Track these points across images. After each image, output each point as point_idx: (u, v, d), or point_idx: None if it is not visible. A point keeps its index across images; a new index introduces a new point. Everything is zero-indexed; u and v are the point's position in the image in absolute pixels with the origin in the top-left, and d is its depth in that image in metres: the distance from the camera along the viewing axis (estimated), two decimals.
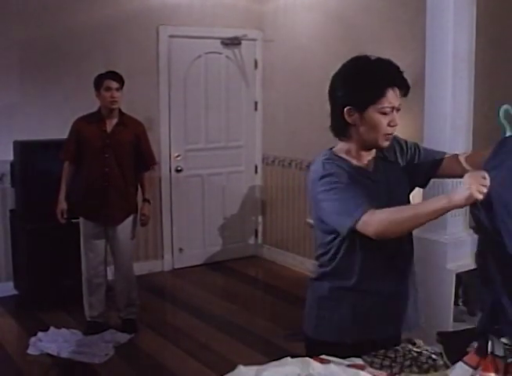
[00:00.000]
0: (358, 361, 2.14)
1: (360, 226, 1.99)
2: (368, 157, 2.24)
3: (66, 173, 4.68)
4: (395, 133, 2.24)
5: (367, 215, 1.98)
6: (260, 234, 6.89)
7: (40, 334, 4.60)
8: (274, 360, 2.13)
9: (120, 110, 4.61)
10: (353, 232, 2.03)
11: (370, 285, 2.21)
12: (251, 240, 6.89)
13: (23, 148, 5.18)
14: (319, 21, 5.90)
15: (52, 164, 4.95)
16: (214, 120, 6.47)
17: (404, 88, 2.13)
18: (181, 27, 6.12)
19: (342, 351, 2.17)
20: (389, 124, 2.13)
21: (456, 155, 2.30)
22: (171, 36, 6.09)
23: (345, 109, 2.18)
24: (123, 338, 4.64)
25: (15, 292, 5.46)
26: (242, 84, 6.61)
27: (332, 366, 2.10)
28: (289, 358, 2.14)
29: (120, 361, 4.33)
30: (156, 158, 5.09)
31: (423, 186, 2.41)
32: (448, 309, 3.59)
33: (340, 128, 2.25)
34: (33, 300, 5.19)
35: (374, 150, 2.25)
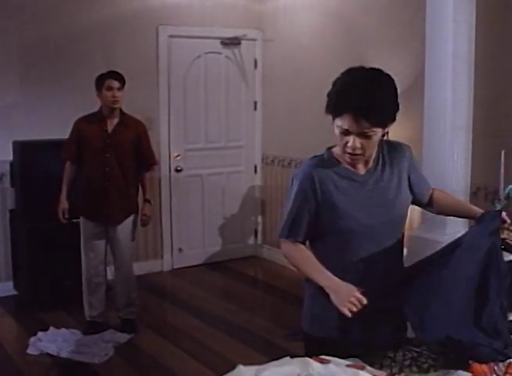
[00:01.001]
0: (358, 361, 2.14)
1: (281, 244, 2.30)
2: (363, 163, 2.24)
3: (67, 173, 4.68)
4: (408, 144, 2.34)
5: (287, 244, 2.28)
6: (259, 234, 6.89)
7: (40, 333, 4.60)
8: (274, 360, 2.13)
9: (121, 110, 4.61)
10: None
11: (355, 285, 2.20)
12: (251, 240, 6.89)
13: (22, 148, 5.18)
14: (319, 21, 5.90)
15: (51, 164, 4.95)
16: (213, 120, 6.47)
17: (368, 120, 2.05)
18: (180, 27, 6.12)
19: (337, 348, 2.19)
20: (346, 145, 2.13)
21: (432, 192, 2.42)
22: (171, 36, 6.09)
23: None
24: (122, 337, 4.64)
25: (14, 292, 5.46)
26: (241, 84, 6.61)
27: (331, 366, 2.10)
28: (288, 358, 2.14)
29: (120, 361, 4.33)
30: (156, 158, 5.09)
31: (415, 199, 2.42)
32: None
33: None
34: (32, 300, 5.19)
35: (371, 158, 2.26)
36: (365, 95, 2.05)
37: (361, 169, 2.25)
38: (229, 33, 6.38)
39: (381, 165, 2.27)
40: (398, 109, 2.12)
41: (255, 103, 6.69)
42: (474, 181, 3.96)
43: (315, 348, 2.24)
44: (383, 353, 2.16)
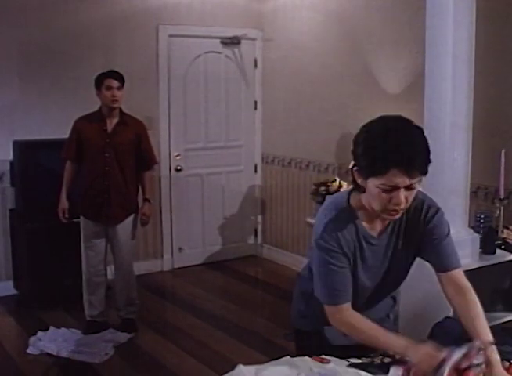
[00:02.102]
0: (358, 361, 2.14)
1: (329, 315, 2.11)
2: (378, 220, 2.12)
3: (67, 172, 4.68)
4: (438, 207, 2.17)
5: (338, 312, 2.09)
6: (259, 234, 6.89)
7: (40, 333, 4.60)
8: (274, 359, 2.13)
9: (120, 109, 4.61)
10: None
11: None
12: (251, 240, 6.89)
13: (22, 147, 5.18)
14: (319, 20, 5.90)
15: (51, 164, 4.95)
16: (213, 119, 6.47)
17: (416, 171, 1.90)
18: (180, 27, 6.12)
19: (324, 340, 2.27)
20: (390, 201, 1.95)
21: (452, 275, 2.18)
22: (171, 35, 6.09)
23: (354, 168, 2.03)
24: (123, 337, 4.64)
25: (15, 292, 5.46)
26: (241, 84, 6.60)
27: (332, 365, 2.10)
28: (288, 357, 2.14)
29: (120, 360, 4.33)
30: (156, 158, 5.09)
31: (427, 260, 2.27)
32: (447, 309, 3.58)
33: (355, 183, 2.08)
34: (32, 299, 5.19)
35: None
36: (411, 145, 1.89)
37: (377, 227, 2.14)
38: (229, 32, 6.38)
39: (398, 225, 2.15)
40: (430, 152, 1.96)
41: (255, 102, 6.69)
42: (474, 180, 3.95)
43: (306, 344, 2.25)
44: (383, 352, 2.15)
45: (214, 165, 6.53)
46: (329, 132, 5.68)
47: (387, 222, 2.13)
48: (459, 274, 2.17)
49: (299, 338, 2.45)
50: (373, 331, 2.05)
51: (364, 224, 2.11)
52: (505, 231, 4.08)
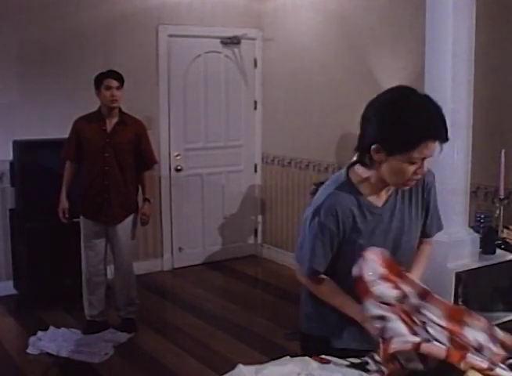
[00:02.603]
0: (357, 361, 2.14)
1: (307, 280, 2.24)
2: (383, 191, 2.14)
3: (67, 172, 4.68)
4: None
5: (316, 280, 2.20)
6: (259, 233, 6.89)
7: (39, 333, 4.60)
8: (274, 359, 2.13)
9: (120, 109, 4.61)
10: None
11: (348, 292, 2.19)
12: (251, 240, 6.89)
13: (22, 147, 5.18)
14: (319, 20, 5.90)
15: (51, 164, 4.95)
16: (213, 119, 6.47)
17: (444, 140, 1.96)
18: (180, 27, 6.12)
19: (332, 347, 2.22)
20: (415, 173, 1.98)
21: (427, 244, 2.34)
22: (171, 35, 6.09)
23: (372, 146, 1.99)
24: (123, 337, 4.64)
25: (14, 291, 5.46)
26: (241, 84, 6.60)
27: (332, 366, 2.10)
28: (288, 357, 2.14)
29: (120, 360, 4.33)
30: (156, 157, 5.09)
31: None
32: None
33: (364, 157, 2.08)
34: (32, 299, 5.19)
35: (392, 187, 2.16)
36: (439, 116, 1.94)
37: (381, 198, 2.15)
38: (229, 32, 6.38)
39: (401, 193, 2.17)
40: None
41: (255, 102, 6.69)
42: (474, 180, 3.95)
43: (311, 348, 2.24)
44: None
45: (214, 165, 6.53)
46: (329, 132, 5.68)
47: (391, 191, 2.15)
48: (429, 242, 2.35)
49: (305, 341, 2.42)
50: (338, 300, 2.15)
51: (366, 196, 2.13)
52: (505, 231, 4.08)
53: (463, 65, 3.65)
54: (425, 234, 2.29)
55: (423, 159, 1.96)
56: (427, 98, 1.98)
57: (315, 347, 2.24)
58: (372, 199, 2.14)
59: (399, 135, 1.92)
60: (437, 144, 1.96)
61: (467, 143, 3.76)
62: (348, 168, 2.16)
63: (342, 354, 2.14)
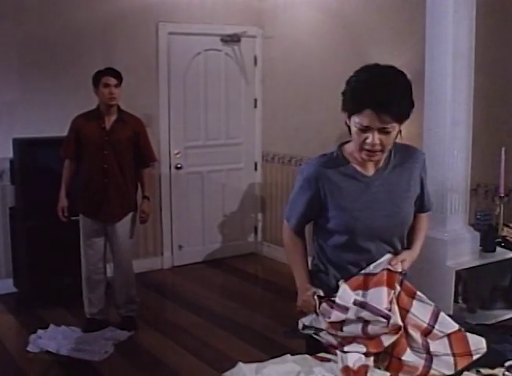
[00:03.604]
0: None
1: (284, 224, 2.45)
2: (370, 163, 2.24)
3: (66, 171, 4.68)
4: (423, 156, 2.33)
5: (284, 227, 2.45)
6: (259, 231, 6.89)
7: (39, 331, 4.59)
8: (274, 357, 2.13)
9: (118, 106, 4.61)
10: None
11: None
12: (251, 238, 6.89)
13: (22, 145, 5.17)
14: (319, 18, 5.90)
15: (51, 162, 4.95)
16: (213, 117, 6.47)
17: (388, 115, 2.06)
18: (180, 24, 6.11)
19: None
20: (365, 142, 2.11)
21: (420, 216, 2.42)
22: (171, 33, 6.08)
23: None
24: (123, 335, 4.64)
25: (14, 290, 5.46)
26: (241, 82, 6.60)
27: (331, 364, 2.10)
28: (289, 355, 2.14)
29: (120, 358, 4.33)
30: (156, 155, 5.09)
31: None
32: (447, 306, 3.59)
33: (348, 128, 2.21)
34: (32, 297, 5.19)
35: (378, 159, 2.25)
36: (385, 90, 2.06)
37: (370, 170, 2.25)
38: (229, 30, 6.37)
39: (391, 167, 2.27)
40: (413, 105, 2.14)
41: (255, 100, 6.68)
42: (474, 177, 3.95)
43: (314, 345, 2.24)
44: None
45: (214, 163, 6.53)
46: (329, 130, 5.67)
47: (380, 164, 2.25)
48: (423, 217, 2.43)
49: (309, 341, 2.42)
50: (293, 259, 2.42)
51: (356, 166, 2.25)
52: (505, 229, 4.08)
53: (463, 62, 3.65)
54: (420, 209, 2.39)
55: (370, 130, 2.08)
56: (385, 73, 2.13)
57: (318, 345, 2.24)
58: (360, 169, 2.25)
59: (348, 98, 2.14)
60: (379, 118, 2.04)
61: (467, 141, 3.76)
62: (341, 145, 2.31)
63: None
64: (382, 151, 2.14)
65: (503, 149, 3.97)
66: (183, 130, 6.31)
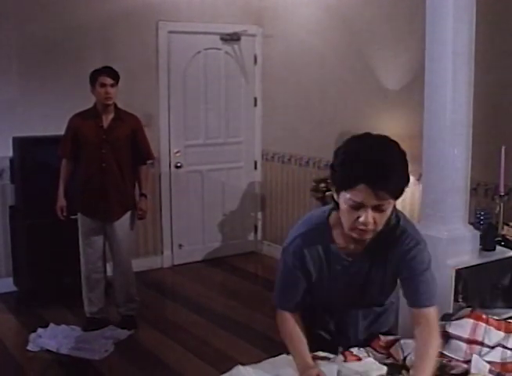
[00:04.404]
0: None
1: (277, 314, 2.30)
2: (352, 240, 2.08)
3: (64, 170, 4.68)
4: (422, 240, 2.12)
5: (280, 316, 2.28)
6: (259, 230, 6.89)
7: (39, 330, 4.59)
8: (273, 356, 2.13)
9: (115, 105, 4.60)
10: None
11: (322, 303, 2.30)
12: (251, 237, 6.89)
13: (22, 144, 5.17)
14: (319, 17, 5.89)
15: (51, 160, 4.94)
16: (213, 116, 6.46)
17: (385, 192, 1.88)
18: (180, 23, 6.11)
19: (323, 342, 2.32)
20: (357, 220, 1.93)
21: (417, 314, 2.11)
22: (171, 32, 6.08)
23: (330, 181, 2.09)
24: (123, 334, 4.64)
25: (14, 288, 5.46)
26: (241, 80, 6.60)
27: (330, 363, 2.10)
28: (285, 355, 2.14)
29: (120, 357, 4.33)
30: (156, 154, 5.09)
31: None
32: (447, 305, 3.58)
33: (334, 199, 2.07)
34: (32, 296, 5.19)
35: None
36: (381, 163, 1.87)
37: (352, 248, 2.12)
38: (229, 29, 6.37)
39: (373, 250, 2.11)
40: (409, 179, 1.96)
41: (255, 98, 6.68)
42: (474, 177, 3.95)
43: (313, 344, 2.25)
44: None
45: (214, 162, 6.53)
46: (329, 129, 5.67)
47: (363, 243, 2.09)
48: (428, 313, 2.08)
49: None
50: (292, 345, 2.16)
51: (338, 244, 2.12)
52: (505, 228, 4.07)
53: (463, 61, 3.64)
54: (410, 303, 2.13)
55: (364, 207, 1.90)
56: (381, 145, 1.94)
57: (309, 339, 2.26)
58: (343, 247, 2.12)
59: (339, 172, 1.94)
60: (375, 195, 1.87)
61: (467, 140, 3.75)
62: (331, 210, 2.14)
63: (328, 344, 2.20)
64: (375, 230, 1.96)
65: (503, 148, 3.96)
66: (183, 129, 6.31)
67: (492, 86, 4.39)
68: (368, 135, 1.98)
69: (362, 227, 1.93)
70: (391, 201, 1.93)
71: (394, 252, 2.10)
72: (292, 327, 2.20)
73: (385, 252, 2.11)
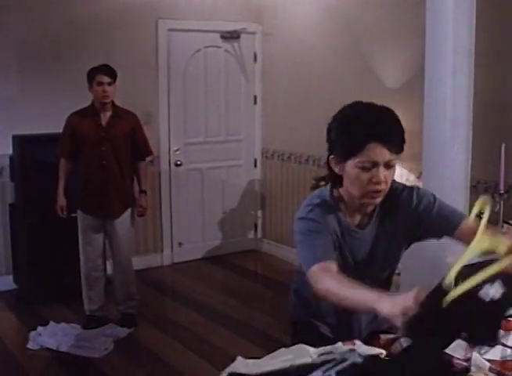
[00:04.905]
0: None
1: (308, 276, 1.99)
2: (361, 211, 2.11)
3: (63, 169, 4.67)
4: (415, 184, 2.13)
5: (316, 270, 1.96)
6: (259, 228, 6.88)
7: (39, 328, 4.59)
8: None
9: (113, 102, 4.59)
10: None
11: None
12: (251, 235, 6.89)
13: (22, 142, 5.17)
14: (319, 14, 5.89)
15: (51, 158, 4.93)
16: (213, 114, 6.46)
17: (392, 146, 1.94)
18: (180, 21, 6.10)
19: (319, 332, 2.29)
20: (371, 181, 1.96)
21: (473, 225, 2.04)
22: (170, 30, 6.07)
23: (330, 157, 2.08)
24: (122, 332, 4.64)
25: (14, 286, 5.46)
26: (241, 78, 6.59)
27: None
28: (283, 348, 2.14)
29: (120, 355, 4.33)
30: (156, 152, 5.09)
31: (436, 238, 2.22)
32: None
33: (331, 177, 2.11)
34: (32, 294, 5.19)
35: (369, 206, 2.11)
36: (385, 119, 1.97)
37: (358, 220, 2.13)
38: (229, 26, 6.36)
39: (380, 216, 2.13)
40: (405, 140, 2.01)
41: (255, 96, 6.68)
42: (474, 175, 3.95)
43: (298, 334, 2.25)
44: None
45: (214, 160, 6.52)
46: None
47: (368, 211, 2.12)
48: (468, 223, 2.06)
49: (292, 328, 2.46)
50: (344, 290, 1.89)
51: (346, 217, 2.12)
52: (505, 226, 4.07)
53: (463, 59, 3.64)
54: (450, 227, 2.11)
55: (376, 165, 1.94)
56: (376, 106, 2.02)
57: (301, 333, 2.26)
58: (350, 220, 2.12)
59: (345, 138, 1.98)
60: (386, 151, 1.93)
61: (467, 138, 3.75)
62: (331, 188, 2.14)
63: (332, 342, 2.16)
64: (385, 190, 2.00)
65: (503, 145, 3.96)
66: (183, 127, 6.31)
67: (493, 84, 4.39)
68: (358, 101, 2.06)
69: (375, 188, 1.97)
70: (396, 157, 1.98)
71: (401, 210, 2.13)
72: (337, 274, 1.95)
73: (392, 215, 2.13)
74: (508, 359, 2.07)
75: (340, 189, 2.10)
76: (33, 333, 4.54)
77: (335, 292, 1.90)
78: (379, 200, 2.03)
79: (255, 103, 6.69)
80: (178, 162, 6.29)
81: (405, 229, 2.14)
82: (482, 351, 2.09)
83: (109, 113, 4.57)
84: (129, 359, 4.29)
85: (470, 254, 1.83)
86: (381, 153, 1.93)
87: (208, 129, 6.47)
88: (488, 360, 2.05)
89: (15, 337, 4.65)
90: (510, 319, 2.17)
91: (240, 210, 6.76)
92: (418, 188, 2.19)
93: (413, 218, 2.13)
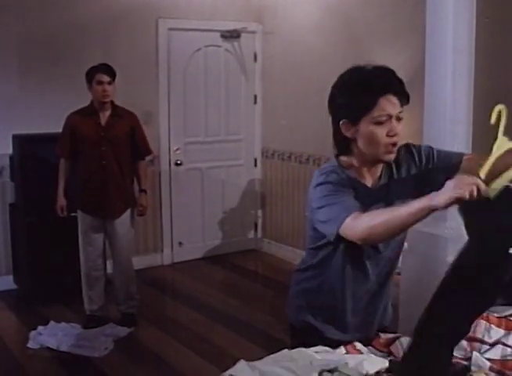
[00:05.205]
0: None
1: (343, 230, 1.90)
2: (371, 173, 2.14)
3: (62, 169, 4.67)
4: (409, 141, 2.18)
5: (350, 219, 1.88)
6: (259, 228, 6.88)
7: (40, 328, 4.60)
8: (273, 354, 2.13)
9: (112, 102, 4.59)
10: (341, 238, 1.95)
11: (352, 291, 2.22)
12: (251, 234, 6.89)
13: (22, 141, 5.17)
14: (319, 14, 5.88)
15: (51, 158, 4.93)
16: (213, 113, 6.46)
17: (401, 96, 2.04)
18: (180, 20, 6.10)
19: (319, 335, 2.26)
20: (388, 135, 2.00)
21: (474, 155, 2.17)
22: (171, 29, 6.07)
23: (340, 122, 2.11)
24: (122, 331, 4.64)
25: (14, 286, 5.46)
26: (241, 78, 6.59)
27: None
28: (286, 350, 2.14)
29: (120, 355, 4.33)
30: (156, 152, 5.09)
31: (446, 176, 2.14)
32: None
33: (340, 144, 2.15)
34: (32, 294, 5.19)
35: (379, 166, 2.14)
36: (393, 74, 2.08)
37: (370, 180, 2.14)
38: (229, 26, 6.36)
39: (389, 173, 2.16)
40: None
41: (255, 96, 6.68)
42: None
43: (302, 339, 2.24)
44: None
45: (214, 159, 6.52)
46: (329, 126, 5.65)
47: (378, 174, 2.14)
48: (470, 155, 2.20)
49: (295, 333, 2.44)
50: (389, 212, 1.85)
51: (358, 178, 2.13)
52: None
53: (463, 59, 3.64)
54: (454, 163, 2.14)
55: (390, 118, 2.00)
56: (373, 64, 2.12)
57: (305, 338, 2.25)
58: (363, 181, 2.14)
59: (356, 97, 2.04)
60: (397, 101, 2.01)
61: (467, 138, 3.75)
62: (336, 157, 2.19)
63: (335, 345, 2.14)
64: (398, 144, 2.05)
65: None
66: (183, 126, 6.31)
67: (493, 84, 4.38)
68: (352, 66, 2.17)
69: (392, 141, 2.01)
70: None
71: (405, 164, 2.16)
72: (368, 213, 1.91)
73: (399, 170, 2.16)
74: (508, 358, 2.07)
75: (347, 157, 2.13)
76: (33, 332, 4.54)
77: (381, 221, 1.82)
78: (394, 155, 2.06)
79: (255, 102, 6.69)
80: (178, 162, 6.29)
81: (414, 178, 2.17)
82: (482, 350, 2.09)
83: (108, 113, 4.57)
84: (129, 359, 4.29)
85: (496, 154, 1.78)
86: (395, 106, 2.00)
87: (208, 129, 6.47)
88: (489, 359, 2.05)
89: (15, 336, 4.65)
90: (510, 318, 2.17)
91: (240, 209, 6.76)
92: (412, 143, 2.24)
93: (419, 164, 2.17)
